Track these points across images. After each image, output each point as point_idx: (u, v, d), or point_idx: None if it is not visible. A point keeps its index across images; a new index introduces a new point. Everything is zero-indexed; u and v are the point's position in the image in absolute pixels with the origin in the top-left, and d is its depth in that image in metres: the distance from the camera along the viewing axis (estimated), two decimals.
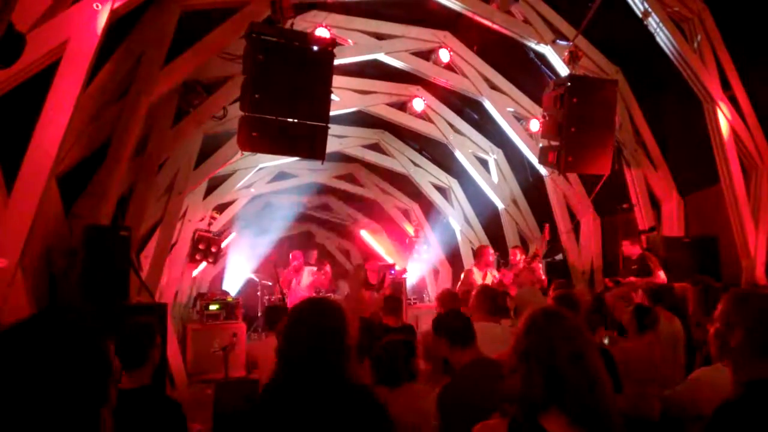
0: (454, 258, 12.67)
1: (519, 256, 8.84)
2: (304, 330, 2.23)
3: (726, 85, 6.76)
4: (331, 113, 6.11)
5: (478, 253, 8.71)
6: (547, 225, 9.20)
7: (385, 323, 5.70)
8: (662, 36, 6.69)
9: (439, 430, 2.90)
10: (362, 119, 10.31)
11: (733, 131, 6.78)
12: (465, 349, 3.14)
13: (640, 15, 6.62)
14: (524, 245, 10.61)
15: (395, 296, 7.22)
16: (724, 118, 6.74)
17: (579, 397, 1.60)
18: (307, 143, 6.08)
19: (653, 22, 6.64)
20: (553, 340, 1.67)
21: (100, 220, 5.45)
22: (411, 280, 12.40)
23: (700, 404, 3.25)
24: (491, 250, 8.75)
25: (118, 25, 4.78)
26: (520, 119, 9.19)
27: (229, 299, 9.81)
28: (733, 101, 6.78)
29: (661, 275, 7.07)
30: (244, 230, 13.01)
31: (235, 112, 6.70)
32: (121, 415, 1.43)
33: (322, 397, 2.13)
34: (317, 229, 15.98)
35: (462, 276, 8.49)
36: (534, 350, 1.67)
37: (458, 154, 10.50)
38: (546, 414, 1.62)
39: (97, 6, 4.13)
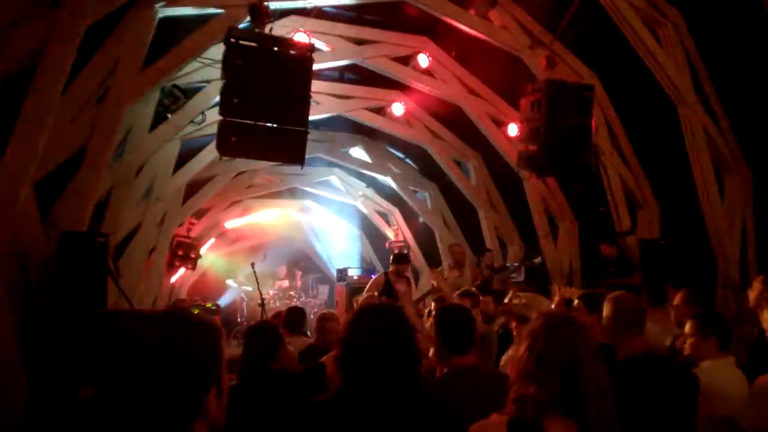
0: (433, 261, 12.69)
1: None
2: (377, 340, 2.01)
3: (699, 90, 6.90)
4: (311, 118, 6.09)
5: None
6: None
7: None
8: (637, 41, 6.80)
9: None
10: (342, 124, 10.31)
11: (707, 134, 6.91)
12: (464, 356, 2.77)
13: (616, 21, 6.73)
14: (503, 248, 10.70)
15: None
16: (698, 122, 6.87)
17: (590, 403, 1.61)
18: (287, 148, 6.05)
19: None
20: (574, 346, 1.69)
21: (76, 226, 5.37)
22: None
23: None
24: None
25: (96, 29, 4.73)
26: (498, 123, 9.27)
27: (209, 305, 9.74)
28: (707, 105, 6.91)
29: (637, 277, 7.19)
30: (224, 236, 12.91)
31: (214, 117, 6.67)
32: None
33: (401, 415, 1.97)
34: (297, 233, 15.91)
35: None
36: (553, 354, 1.67)
37: (437, 158, 10.55)
38: (551, 417, 1.63)
39: None
